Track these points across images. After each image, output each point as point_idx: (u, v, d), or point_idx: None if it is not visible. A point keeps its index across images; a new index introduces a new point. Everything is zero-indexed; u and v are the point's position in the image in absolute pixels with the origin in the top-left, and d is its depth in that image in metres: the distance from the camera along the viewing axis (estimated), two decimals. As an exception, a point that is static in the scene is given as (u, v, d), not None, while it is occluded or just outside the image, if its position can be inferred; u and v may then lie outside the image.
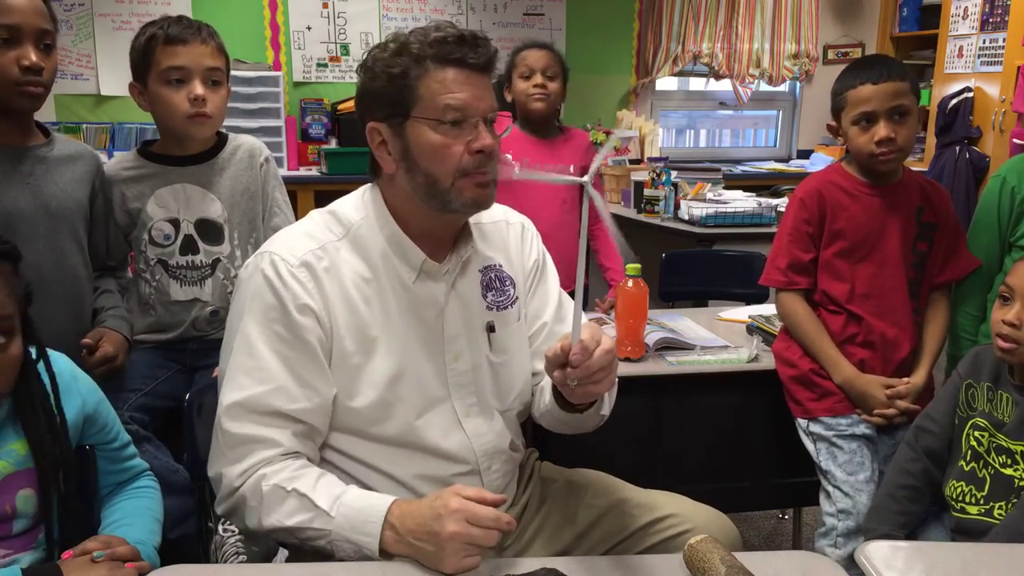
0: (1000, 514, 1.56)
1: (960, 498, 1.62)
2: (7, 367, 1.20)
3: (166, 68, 1.82)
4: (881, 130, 1.81)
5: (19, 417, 1.23)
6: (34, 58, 1.65)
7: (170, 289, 1.93)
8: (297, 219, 1.43)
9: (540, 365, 1.46)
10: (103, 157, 2.21)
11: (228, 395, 1.25)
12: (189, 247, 1.92)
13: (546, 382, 1.41)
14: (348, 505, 1.20)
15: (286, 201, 2.05)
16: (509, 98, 2.67)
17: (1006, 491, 1.55)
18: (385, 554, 1.17)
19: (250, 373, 1.25)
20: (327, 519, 1.19)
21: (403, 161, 1.29)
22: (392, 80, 1.26)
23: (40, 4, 1.68)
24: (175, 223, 1.92)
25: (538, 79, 2.60)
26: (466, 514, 1.12)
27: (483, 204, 1.32)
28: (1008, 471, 1.56)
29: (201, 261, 1.93)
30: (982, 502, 1.59)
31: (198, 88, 1.82)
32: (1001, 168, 1.98)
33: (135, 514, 1.34)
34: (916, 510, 1.69)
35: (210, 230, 1.93)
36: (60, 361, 1.32)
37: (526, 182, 2.59)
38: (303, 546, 1.23)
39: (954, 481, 1.64)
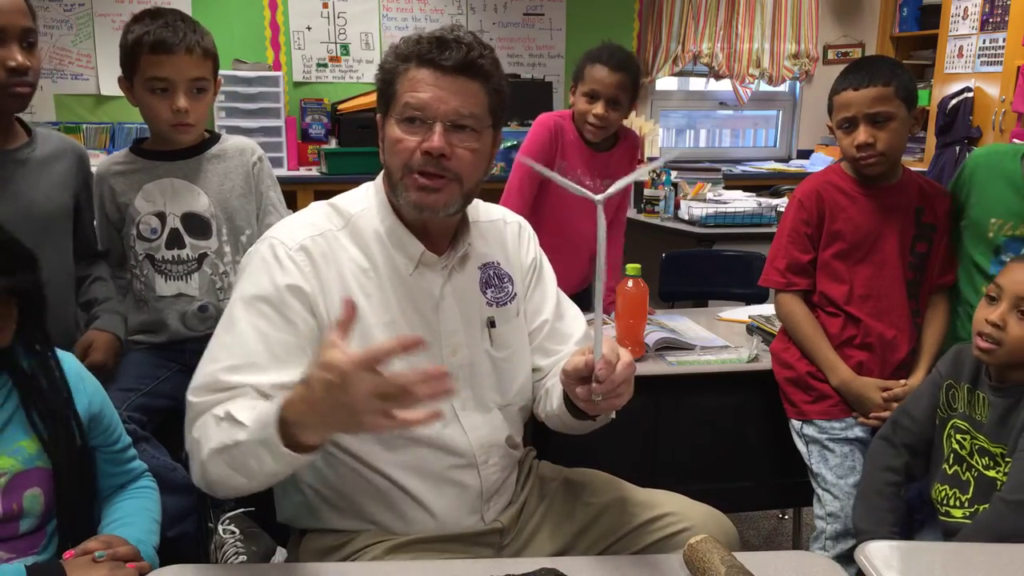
0: None
1: (945, 501, 1.61)
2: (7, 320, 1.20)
3: (150, 77, 1.81)
4: (860, 135, 1.83)
5: (28, 414, 1.23)
6: (19, 59, 1.63)
7: (156, 284, 1.91)
8: None
9: (541, 361, 1.48)
10: (102, 157, 2.20)
11: (201, 368, 1.26)
12: (175, 241, 1.91)
13: (552, 385, 1.41)
14: (260, 409, 1.11)
15: (280, 200, 2.04)
16: (572, 102, 2.36)
17: (989, 493, 1.54)
18: (299, 446, 1.06)
19: (226, 347, 1.25)
20: (242, 429, 1.12)
21: (383, 153, 1.35)
22: (383, 77, 1.33)
23: (21, 2, 1.66)
24: (161, 217, 1.91)
25: (599, 109, 2.25)
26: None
27: (425, 207, 1.30)
28: (991, 473, 1.55)
29: (187, 255, 1.92)
30: (966, 505, 1.58)
31: (180, 101, 1.81)
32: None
33: (134, 514, 1.34)
34: (901, 505, 1.69)
35: (197, 224, 1.92)
36: (67, 360, 1.33)
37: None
38: (246, 475, 1.13)
39: (939, 484, 1.63)
